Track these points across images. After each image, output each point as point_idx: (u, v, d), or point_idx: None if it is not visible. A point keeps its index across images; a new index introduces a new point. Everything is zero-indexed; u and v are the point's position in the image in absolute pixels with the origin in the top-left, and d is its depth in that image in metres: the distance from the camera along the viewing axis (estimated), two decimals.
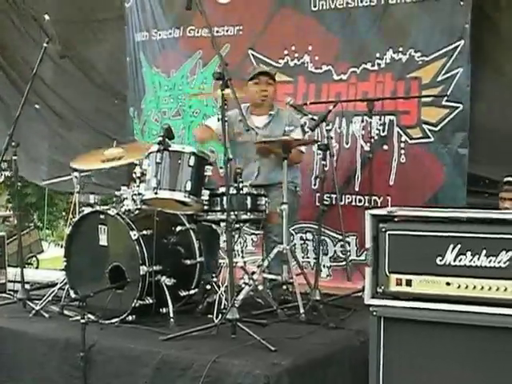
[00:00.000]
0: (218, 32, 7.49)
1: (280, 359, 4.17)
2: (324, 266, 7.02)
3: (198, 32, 7.87)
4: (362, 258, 6.65)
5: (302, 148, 6.17)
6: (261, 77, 6.25)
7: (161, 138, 5.23)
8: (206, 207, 5.36)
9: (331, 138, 5.73)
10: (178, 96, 8.14)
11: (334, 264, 7.07)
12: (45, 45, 5.81)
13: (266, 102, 6.25)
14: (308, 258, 7.14)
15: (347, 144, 6.97)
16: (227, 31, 7.62)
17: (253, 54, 7.52)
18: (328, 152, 5.56)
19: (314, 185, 7.06)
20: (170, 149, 5.25)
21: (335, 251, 7.07)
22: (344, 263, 6.79)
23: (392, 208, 3.84)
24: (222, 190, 5.26)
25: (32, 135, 9.17)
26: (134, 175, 5.43)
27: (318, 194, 6.84)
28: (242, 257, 5.53)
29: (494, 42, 6.51)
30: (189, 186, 5.21)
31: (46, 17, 5.87)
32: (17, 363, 5.05)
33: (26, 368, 4.99)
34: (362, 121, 6.87)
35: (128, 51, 8.57)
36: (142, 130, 8.51)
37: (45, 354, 4.89)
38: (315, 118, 5.71)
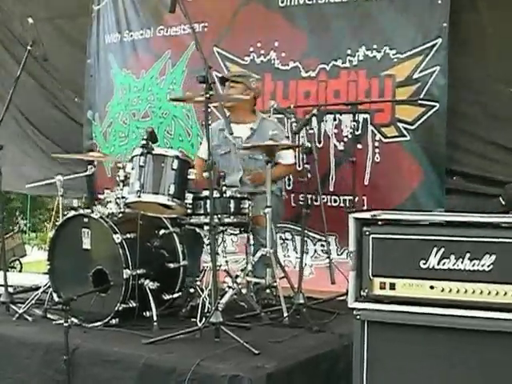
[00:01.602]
0: (184, 30, 7.44)
1: (263, 363, 4.17)
2: (306, 264, 7.01)
3: (167, 32, 7.84)
4: (343, 256, 6.65)
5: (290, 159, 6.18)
6: (226, 83, 6.28)
7: (144, 142, 5.24)
8: (189, 211, 5.35)
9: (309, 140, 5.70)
10: (147, 97, 8.09)
11: (316, 262, 7.06)
12: (28, 48, 5.79)
13: (236, 105, 6.16)
14: (289, 256, 7.15)
15: (320, 143, 6.90)
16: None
17: (218, 52, 7.48)
18: (311, 155, 5.55)
19: (289, 185, 7.00)
20: (154, 152, 5.25)
21: (315, 250, 7.06)
22: (326, 261, 6.76)
23: (376, 211, 3.84)
24: (206, 193, 5.26)
25: None
26: (117, 178, 5.43)
27: (292, 195, 6.87)
28: (224, 256, 5.51)
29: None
30: (172, 190, 5.21)
31: (30, 20, 5.83)
32: None
33: (9, 371, 4.94)
34: (335, 119, 6.83)
35: (91, 53, 8.49)
36: (105, 132, 8.42)
37: (28, 357, 4.86)
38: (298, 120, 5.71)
